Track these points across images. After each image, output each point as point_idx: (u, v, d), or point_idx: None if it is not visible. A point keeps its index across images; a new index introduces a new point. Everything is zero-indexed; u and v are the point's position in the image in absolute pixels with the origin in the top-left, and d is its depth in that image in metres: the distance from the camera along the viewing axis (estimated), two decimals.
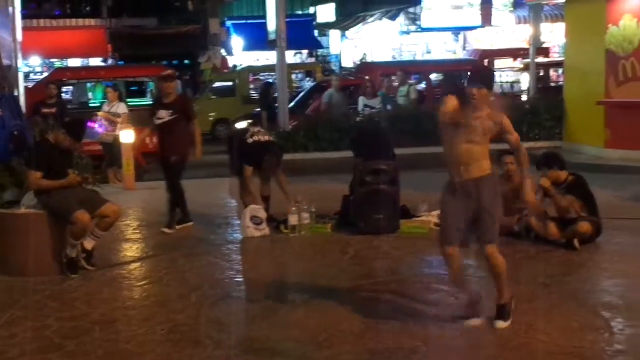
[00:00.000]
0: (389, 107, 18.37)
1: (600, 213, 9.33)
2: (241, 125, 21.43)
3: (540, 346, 6.17)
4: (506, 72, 26.01)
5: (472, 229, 6.56)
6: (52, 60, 34.01)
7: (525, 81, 24.96)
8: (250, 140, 10.59)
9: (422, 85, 23.45)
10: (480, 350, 6.17)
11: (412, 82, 19.82)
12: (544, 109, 17.94)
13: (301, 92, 24.22)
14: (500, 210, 6.71)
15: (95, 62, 33.75)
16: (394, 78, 20.10)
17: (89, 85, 23.69)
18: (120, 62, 34.39)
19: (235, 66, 32.54)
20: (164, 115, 10.55)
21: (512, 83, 25.69)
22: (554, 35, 30.46)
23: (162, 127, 10.63)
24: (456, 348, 6.18)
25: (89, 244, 8.61)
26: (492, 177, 6.55)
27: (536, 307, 7.13)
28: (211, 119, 24.42)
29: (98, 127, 15.43)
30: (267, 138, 10.82)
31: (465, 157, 6.40)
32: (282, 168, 10.62)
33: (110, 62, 34.08)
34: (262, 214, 10.22)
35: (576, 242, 8.99)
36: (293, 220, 10.15)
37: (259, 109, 21.97)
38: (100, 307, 7.46)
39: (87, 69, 28.69)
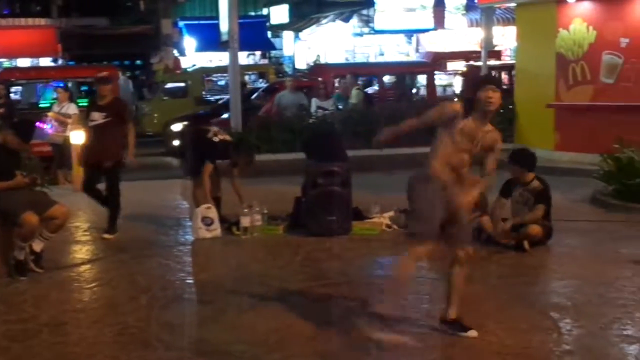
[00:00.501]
0: (340, 107, 18.37)
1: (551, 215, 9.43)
2: (176, 127, 21.40)
3: (489, 346, 6.21)
4: (439, 75, 25.91)
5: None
6: (0, 60, 33.54)
7: (458, 85, 25.14)
8: (216, 139, 10.56)
9: (375, 87, 23.55)
10: (430, 350, 6.20)
11: (358, 85, 19.81)
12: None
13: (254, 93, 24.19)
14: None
15: (45, 62, 33.35)
16: (344, 80, 20.11)
17: (38, 85, 23.41)
18: (71, 62, 34.02)
19: (185, 69, 32.36)
20: (97, 117, 10.29)
21: (445, 86, 25.69)
22: (506, 38, 30.72)
23: (95, 129, 10.39)
24: (406, 349, 6.19)
25: (37, 246, 8.51)
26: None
27: (486, 307, 7.18)
28: (163, 120, 24.25)
29: (48, 127, 15.26)
30: (230, 137, 10.91)
31: (460, 165, 6.30)
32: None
33: (60, 62, 33.70)
34: (213, 214, 10.18)
35: (526, 244, 9.07)
36: (245, 221, 10.13)
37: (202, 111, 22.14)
38: (48, 309, 7.38)
39: (36, 68, 28.34)
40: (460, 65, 26.88)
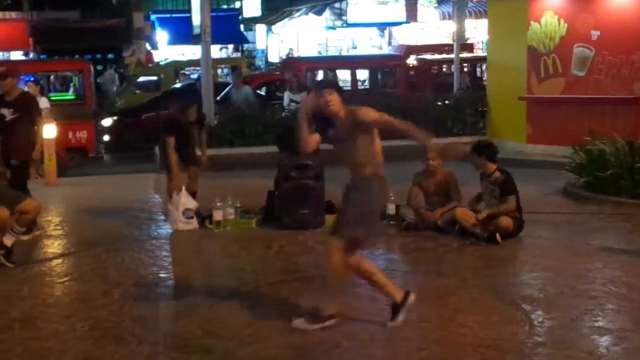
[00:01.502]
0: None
1: (522, 207, 9.48)
2: (107, 122, 21.31)
3: (461, 339, 6.24)
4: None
5: None
6: None
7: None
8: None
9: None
10: (402, 343, 6.22)
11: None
12: (467, 104, 18.11)
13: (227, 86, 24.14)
14: None
15: (16, 55, 33.07)
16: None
17: None
18: (42, 56, 33.78)
19: (158, 62, 32.24)
20: (6, 113, 9.95)
21: None
22: (478, 31, 30.86)
23: (3, 126, 9.98)
24: (378, 341, 6.21)
25: (8, 240, 8.45)
26: None
27: (457, 300, 7.22)
28: None
29: None
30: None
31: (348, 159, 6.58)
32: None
33: (31, 55, 33.44)
34: (192, 204, 10.18)
35: (498, 236, 9.11)
36: (217, 215, 10.11)
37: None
38: (19, 304, 7.33)
39: (7, 62, 28.06)
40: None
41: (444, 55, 25.70)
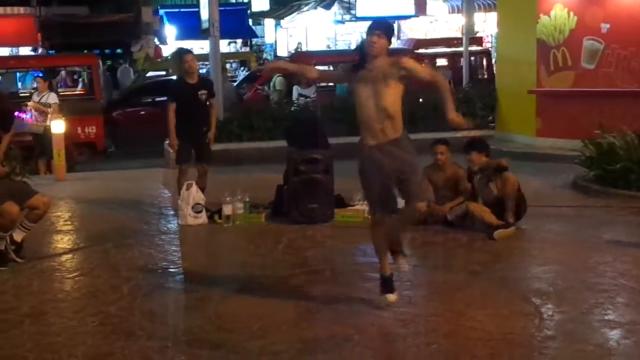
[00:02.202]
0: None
1: (532, 201, 9.47)
2: None
3: (472, 333, 6.23)
4: None
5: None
6: None
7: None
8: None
9: None
10: (413, 337, 6.20)
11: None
12: (477, 98, 18.08)
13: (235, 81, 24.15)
14: None
15: (25, 51, 33.10)
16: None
17: (18, 74, 23.26)
18: (51, 51, 33.80)
19: (166, 57, 32.25)
20: None
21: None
22: (487, 24, 30.78)
23: None
24: (388, 335, 6.22)
25: (18, 236, 8.46)
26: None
27: (467, 294, 7.20)
28: None
29: (27, 117, 15.16)
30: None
31: (373, 117, 6.45)
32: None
33: (40, 51, 33.47)
34: (202, 199, 10.19)
35: (511, 217, 9.17)
36: (227, 210, 10.12)
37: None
38: (29, 299, 7.34)
39: (15, 58, 28.12)
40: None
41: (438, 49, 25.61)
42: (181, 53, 11.00)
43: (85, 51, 26.92)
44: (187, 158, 10.66)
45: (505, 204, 9.28)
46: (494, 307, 6.79)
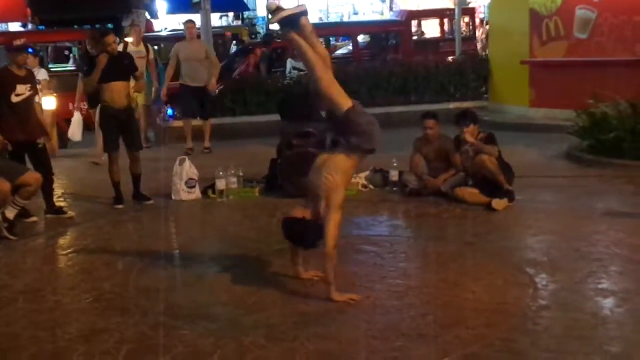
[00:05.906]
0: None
1: (525, 171, 9.46)
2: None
3: (466, 303, 6.23)
4: None
5: None
6: None
7: None
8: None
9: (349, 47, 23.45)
10: (407, 309, 6.20)
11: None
12: (470, 69, 18.04)
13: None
14: None
15: (14, 27, 32.87)
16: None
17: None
18: (41, 27, 33.58)
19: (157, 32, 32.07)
20: None
21: None
22: None
23: None
24: (383, 307, 6.21)
25: (10, 213, 8.45)
26: None
27: (461, 265, 7.21)
28: None
29: None
30: None
31: None
32: None
33: (29, 26, 33.25)
34: (195, 173, 10.18)
35: (494, 204, 9.13)
36: (220, 184, 10.11)
37: None
38: (23, 276, 7.34)
39: (4, 34, 27.93)
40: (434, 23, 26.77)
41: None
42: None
43: (76, 26, 26.77)
44: None
45: (494, 179, 9.24)
46: (488, 277, 6.80)
